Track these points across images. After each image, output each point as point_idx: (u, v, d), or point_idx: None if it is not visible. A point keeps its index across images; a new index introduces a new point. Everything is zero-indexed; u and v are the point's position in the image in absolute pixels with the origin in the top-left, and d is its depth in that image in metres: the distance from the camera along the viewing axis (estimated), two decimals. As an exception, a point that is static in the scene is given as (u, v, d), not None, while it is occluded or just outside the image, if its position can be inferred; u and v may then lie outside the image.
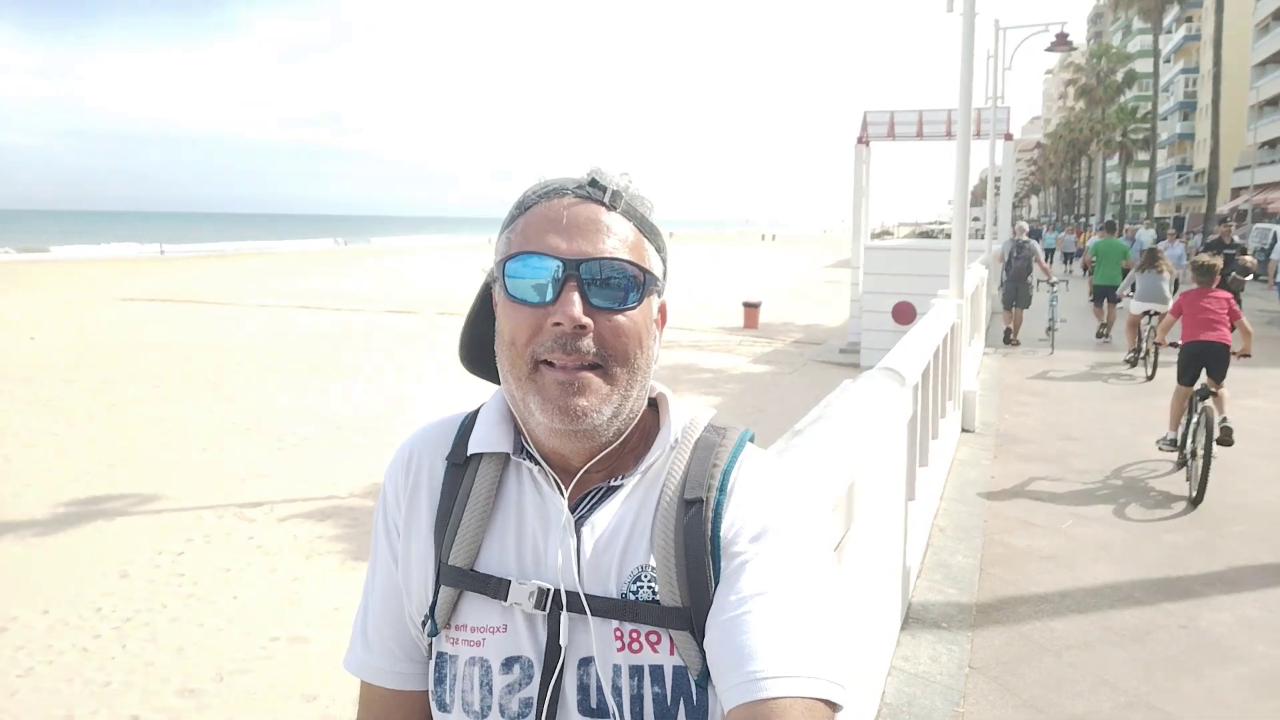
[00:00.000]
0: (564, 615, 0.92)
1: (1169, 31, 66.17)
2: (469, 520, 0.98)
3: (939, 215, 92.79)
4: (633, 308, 0.94)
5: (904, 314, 14.05)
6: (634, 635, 0.92)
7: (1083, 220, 65.88)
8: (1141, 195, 69.06)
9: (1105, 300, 14.65)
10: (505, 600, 0.94)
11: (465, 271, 33.98)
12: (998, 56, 20.97)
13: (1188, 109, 70.72)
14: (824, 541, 0.95)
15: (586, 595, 0.92)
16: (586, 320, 0.90)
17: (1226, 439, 6.45)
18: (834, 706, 0.81)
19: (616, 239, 0.94)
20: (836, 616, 0.88)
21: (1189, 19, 66.37)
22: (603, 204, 0.95)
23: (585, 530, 0.95)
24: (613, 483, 0.98)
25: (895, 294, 14.05)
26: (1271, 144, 53.45)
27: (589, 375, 0.91)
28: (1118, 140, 60.50)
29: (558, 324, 0.90)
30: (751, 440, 1.03)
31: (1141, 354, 11.80)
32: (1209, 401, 6.51)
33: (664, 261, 1.01)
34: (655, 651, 0.91)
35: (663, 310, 1.02)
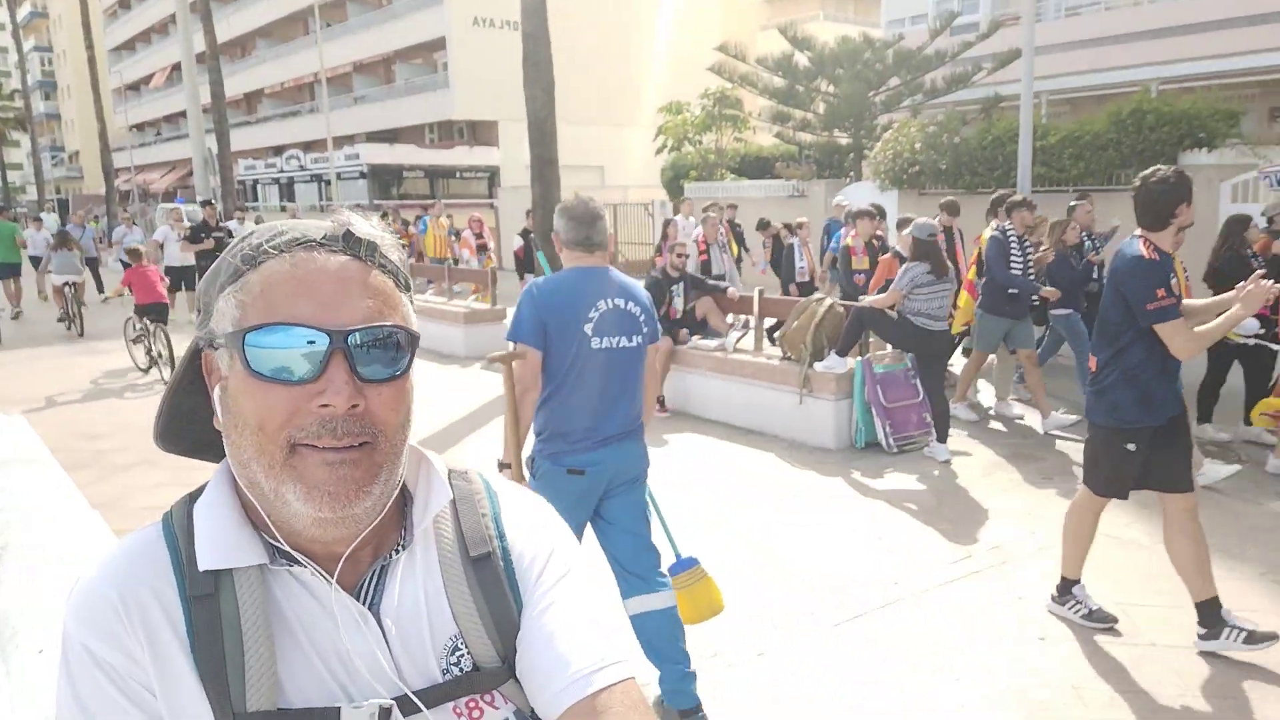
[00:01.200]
0: None
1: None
2: (255, 653, 0.82)
3: None
4: (402, 375, 0.85)
5: None
6: (471, 704, 0.90)
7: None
8: (16, 176, 65.10)
9: (13, 279, 15.40)
10: None
11: None
12: None
13: (49, 88, 69.17)
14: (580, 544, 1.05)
15: (417, 691, 0.87)
16: (360, 399, 0.81)
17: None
18: (635, 680, 0.90)
19: (379, 301, 0.84)
20: (618, 602, 1.01)
21: (31, -7, 64.40)
22: (359, 258, 0.85)
23: (385, 620, 0.88)
24: (393, 555, 0.91)
25: None
26: (141, 126, 56.79)
27: (358, 454, 0.81)
28: (-15, 117, 55.34)
29: (325, 405, 0.79)
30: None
31: (71, 317, 13.60)
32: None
33: (413, 311, 0.93)
34: (495, 708, 0.91)
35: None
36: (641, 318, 3.14)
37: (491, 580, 0.92)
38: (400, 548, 0.91)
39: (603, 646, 0.88)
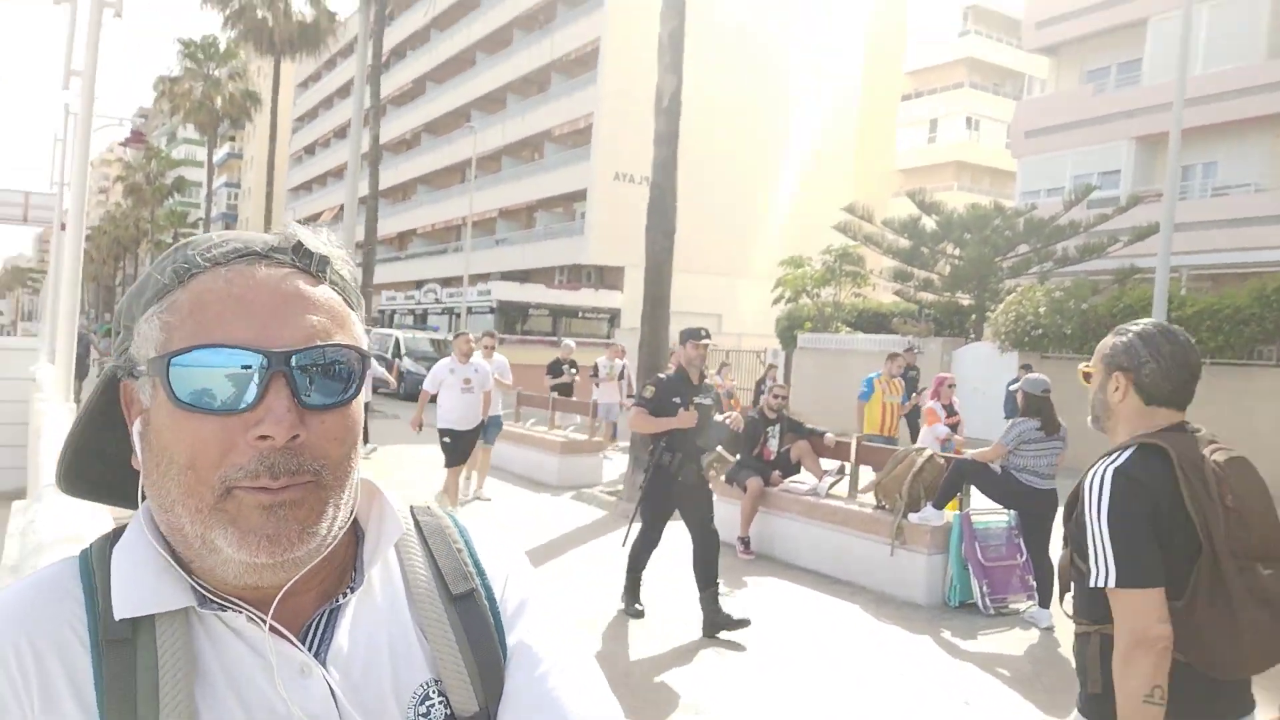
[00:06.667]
0: None
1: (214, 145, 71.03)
2: (172, 712, 0.70)
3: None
4: (350, 400, 0.75)
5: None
6: None
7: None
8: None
9: None
10: None
11: None
12: (65, 141, 19.59)
13: (230, 220, 76.65)
14: None
15: None
16: (301, 430, 0.70)
17: None
18: None
19: (327, 317, 0.74)
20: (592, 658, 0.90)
21: (232, 138, 72.51)
22: (307, 272, 0.76)
23: (330, 669, 0.76)
24: (339, 600, 0.80)
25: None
26: (304, 259, 61.79)
27: (300, 492, 0.71)
28: (169, 242, 61.75)
29: (264, 437, 0.69)
30: None
31: None
32: None
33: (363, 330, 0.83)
34: None
35: None
36: None
37: (477, 621, 0.83)
38: (352, 588, 0.81)
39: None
